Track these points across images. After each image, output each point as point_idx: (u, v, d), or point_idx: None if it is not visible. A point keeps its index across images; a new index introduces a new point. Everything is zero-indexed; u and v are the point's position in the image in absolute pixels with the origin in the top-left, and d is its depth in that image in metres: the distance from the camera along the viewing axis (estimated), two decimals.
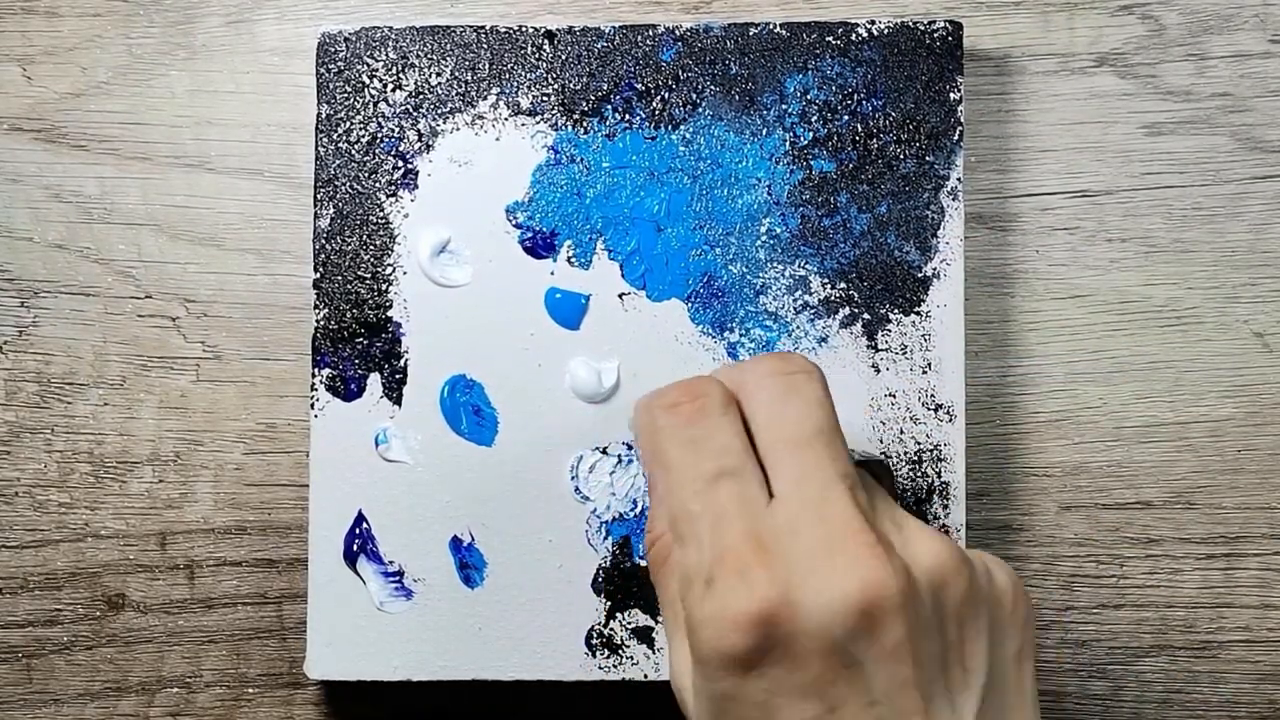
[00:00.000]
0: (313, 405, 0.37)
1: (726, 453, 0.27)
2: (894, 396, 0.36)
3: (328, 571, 0.37)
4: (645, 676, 0.36)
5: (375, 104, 0.37)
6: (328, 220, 0.37)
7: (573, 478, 0.37)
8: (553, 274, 0.37)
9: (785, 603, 0.25)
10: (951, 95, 0.37)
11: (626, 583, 0.37)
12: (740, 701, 0.25)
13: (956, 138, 0.37)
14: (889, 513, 0.27)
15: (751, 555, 0.25)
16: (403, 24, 0.37)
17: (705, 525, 0.26)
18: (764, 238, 0.37)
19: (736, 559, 0.25)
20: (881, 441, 0.36)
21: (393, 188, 0.37)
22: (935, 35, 0.37)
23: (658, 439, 0.28)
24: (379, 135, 0.37)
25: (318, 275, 0.37)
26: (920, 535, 0.26)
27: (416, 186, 0.37)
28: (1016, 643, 0.27)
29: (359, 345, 0.37)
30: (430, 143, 0.37)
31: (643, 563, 0.37)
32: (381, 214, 0.37)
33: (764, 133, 0.37)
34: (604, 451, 0.37)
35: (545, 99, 0.37)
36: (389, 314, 0.37)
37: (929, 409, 0.36)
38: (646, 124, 0.37)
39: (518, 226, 0.37)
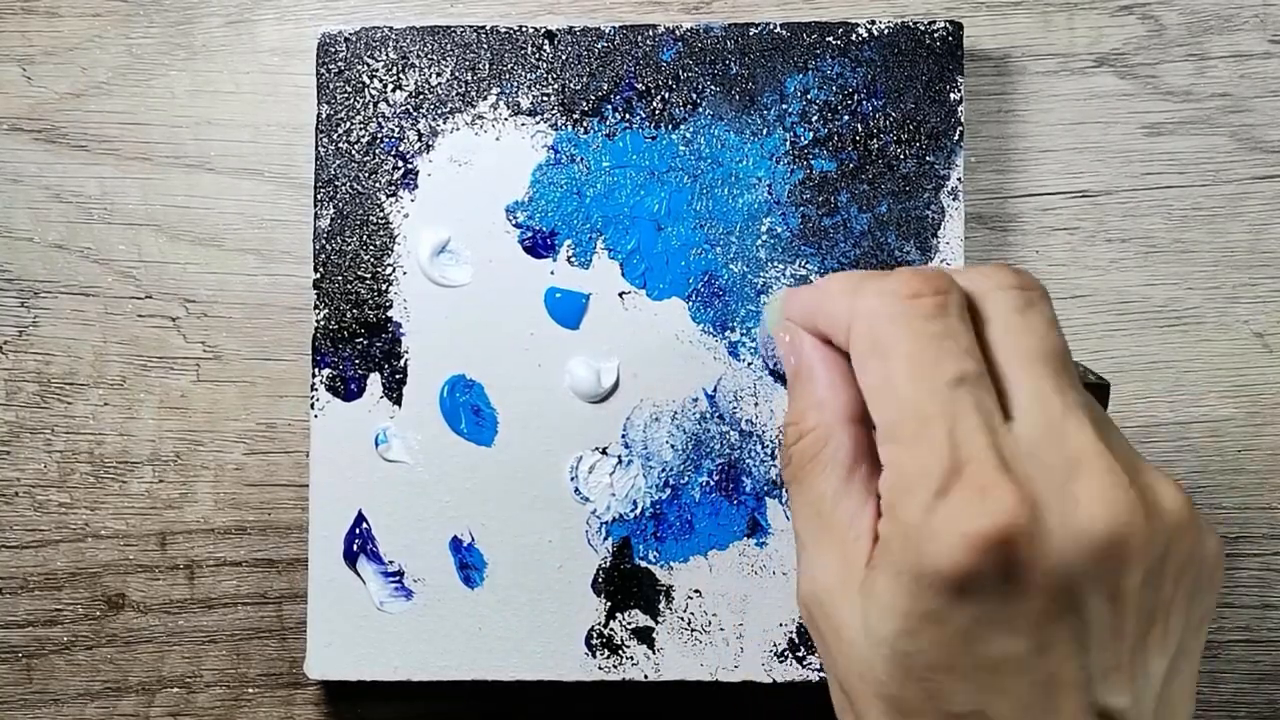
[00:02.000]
0: (313, 405, 0.37)
1: (969, 356, 0.25)
2: None
3: (328, 571, 0.37)
4: (645, 677, 0.36)
5: (375, 104, 0.37)
6: (328, 220, 0.37)
7: (572, 478, 0.37)
8: (552, 273, 0.37)
9: (1029, 528, 0.23)
10: (952, 95, 0.37)
11: (626, 583, 0.37)
12: (942, 625, 0.23)
13: (956, 138, 0.37)
14: (1125, 448, 0.25)
15: (995, 472, 0.23)
16: (403, 24, 0.37)
17: (941, 430, 0.24)
18: (764, 237, 0.37)
19: (979, 473, 0.23)
20: None
21: (393, 188, 0.37)
22: (935, 35, 0.37)
23: (889, 325, 0.25)
24: (379, 135, 0.37)
25: (318, 275, 0.37)
26: (1159, 479, 0.24)
27: (416, 186, 0.37)
28: (1205, 609, 0.25)
29: (359, 345, 0.37)
30: (430, 143, 0.37)
31: (643, 563, 0.37)
32: (381, 214, 0.37)
33: (764, 132, 0.37)
34: (604, 452, 0.37)
35: (545, 99, 0.37)
36: (389, 314, 0.37)
37: None
38: (647, 124, 0.37)
39: (518, 226, 0.37)
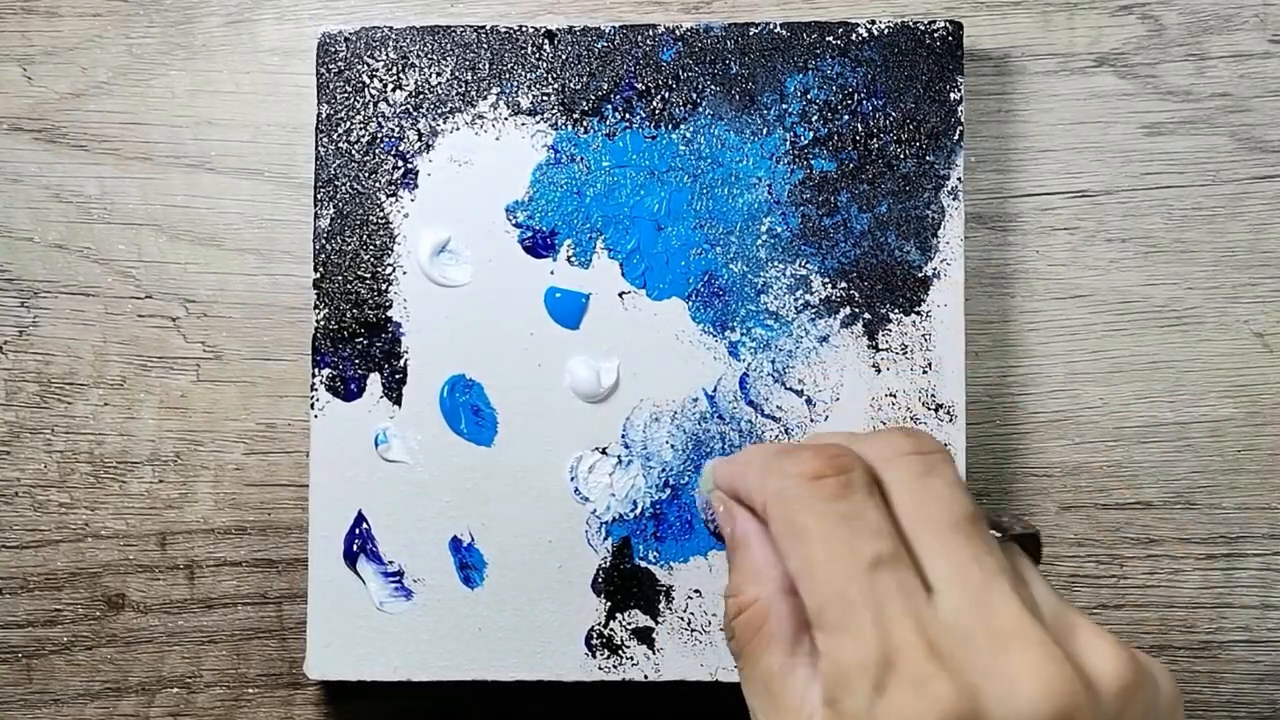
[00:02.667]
0: (313, 405, 0.37)
1: (881, 536, 0.25)
2: (894, 396, 0.36)
3: (328, 571, 0.37)
4: (645, 677, 0.36)
5: (375, 104, 0.37)
6: (328, 220, 0.37)
7: (572, 478, 0.37)
8: (552, 273, 0.37)
9: (971, 716, 0.23)
10: (951, 95, 0.37)
11: (626, 583, 0.37)
12: None
13: (956, 138, 0.37)
14: (1055, 607, 0.25)
15: (927, 661, 0.23)
16: (403, 24, 0.37)
17: (867, 617, 0.24)
18: (765, 237, 0.37)
19: (912, 664, 0.23)
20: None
21: (393, 187, 0.37)
22: (935, 35, 0.37)
23: (798, 509, 0.25)
24: (379, 135, 0.37)
25: (318, 275, 0.37)
26: (1096, 640, 0.24)
27: (416, 186, 0.37)
28: None
29: (359, 345, 0.37)
30: (430, 142, 0.37)
31: (643, 563, 0.37)
32: (381, 214, 0.37)
33: (764, 132, 0.37)
34: (604, 452, 0.37)
35: (545, 99, 0.37)
36: (389, 314, 0.37)
37: (929, 409, 0.36)
38: (647, 123, 0.37)
39: (517, 226, 0.37)
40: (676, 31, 0.37)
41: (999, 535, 0.26)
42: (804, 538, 0.25)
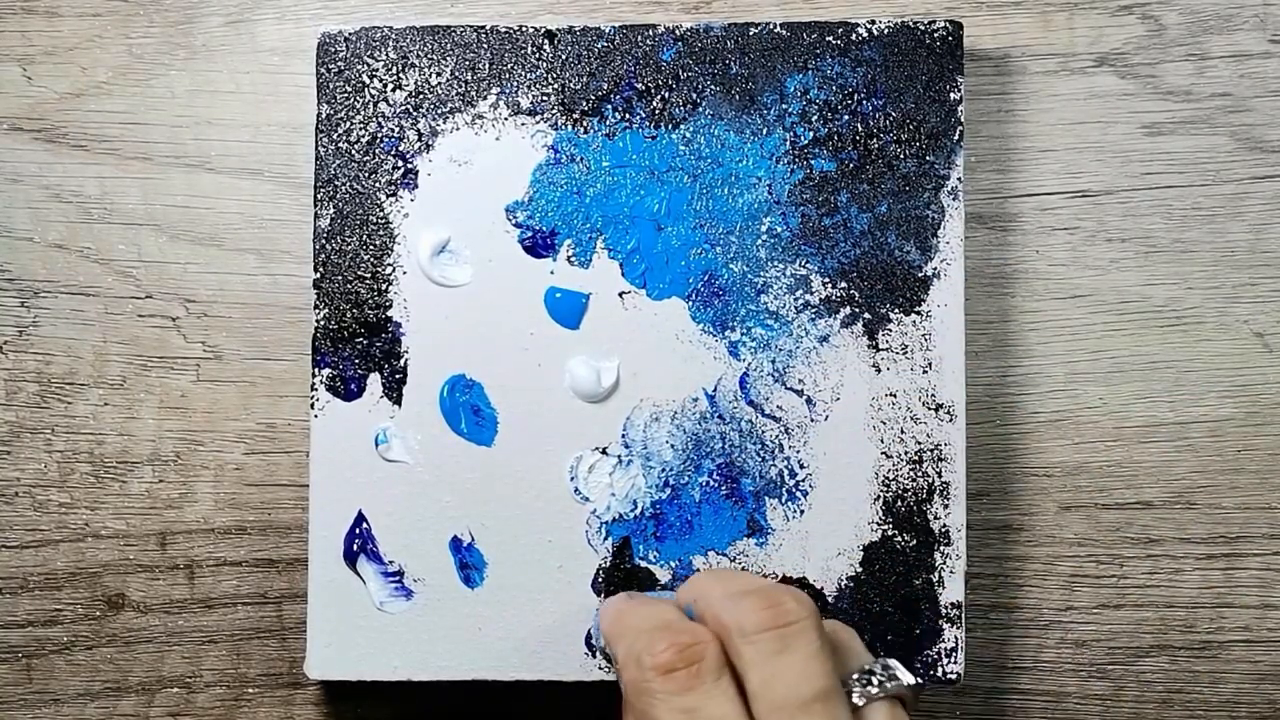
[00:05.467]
0: (313, 405, 0.37)
1: None
2: (894, 396, 0.36)
3: (328, 571, 0.37)
4: None
5: (375, 104, 0.37)
6: (328, 220, 0.37)
7: (572, 478, 0.37)
8: (552, 273, 0.37)
9: None
10: (951, 95, 0.37)
11: (626, 583, 0.37)
12: None
13: (956, 138, 0.37)
14: None
15: None
16: (403, 24, 0.37)
17: None
18: (764, 237, 0.37)
19: None
20: (883, 441, 0.36)
21: (393, 188, 0.37)
22: (935, 35, 0.37)
23: (649, 705, 0.27)
24: (379, 135, 0.37)
25: (318, 275, 0.37)
26: None
27: (416, 186, 0.37)
28: None
29: (359, 345, 0.37)
30: (430, 142, 0.37)
31: (643, 563, 0.37)
32: (381, 214, 0.37)
33: (764, 132, 0.37)
34: (604, 451, 0.37)
35: (545, 99, 0.37)
36: (389, 314, 0.37)
37: (929, 409, 0.36)
38: (646, 123, 0.37)
39: (517, 226, 0.37)
40: (676, 31, 0.37)
41: (862, 702, 0.27)
42: None
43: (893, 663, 0.29)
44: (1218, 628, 0.39)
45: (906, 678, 0.29)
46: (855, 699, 0.28)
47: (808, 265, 0.37)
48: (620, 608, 0.31)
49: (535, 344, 0.37)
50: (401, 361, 0.37)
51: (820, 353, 0.37)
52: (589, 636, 0.36)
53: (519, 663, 0.36)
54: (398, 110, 0.37)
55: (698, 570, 0.37)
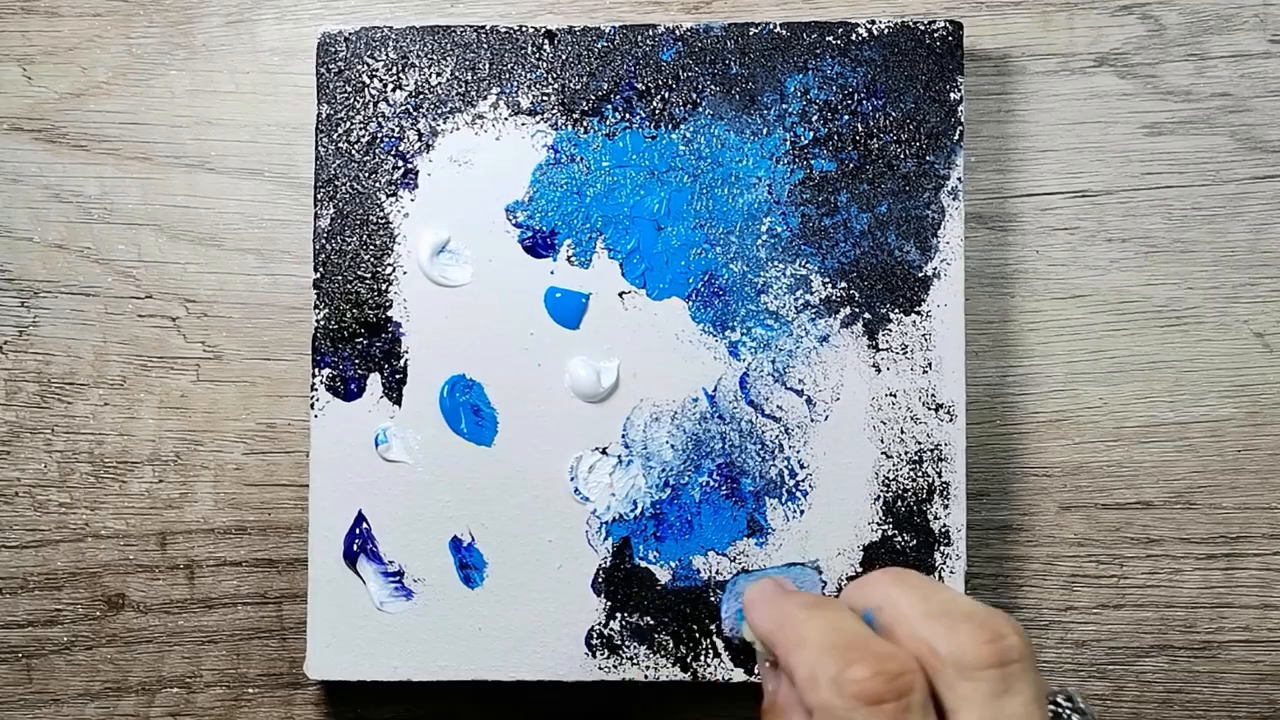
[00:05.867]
0: (313, 405, 0.37)
1: None
2: (894, 396, 0.36)
3: (328, 571, 0.37)
4: (645, 677, 0.36)
5: (375, 104, 0.37)
6: (328, 220, 0.37)
7: (572, 478, 0.37)
8: (552, 273, 0.37)
9: None
10: (951, 95, 0.37)
11: (626, 583, 0.37)
12: None
13: (956, 138, 0.37)
14: None
15: None
16: (403, 24, 0.37)
17: None
18: (765, 237, 0.37)
19: None
20: (883, 441, 0.36)
21: (393, 187, 0.37)
22: (935, 35, 0.37)
23: None
24: (379, 135, 0.37)
25: (318, 275, 0.37)
26: None
27: (416, 186, 0.37)
28: None
29: (359, 345, 0.37)
30: (430, 143, 0.37)
31: (643, 563, 0.37)
32: (381, 214, 0.37)
33: (764, 132, 0.37)
34: (604, 452, 0.37)
35: (545, 99, 0.37)
36: (389, 314, 0.37)
37: (929, 409, 0.36)
38: (647, 123, 0.37)
39: (518, 226, 0.37)
40: (676, 31, 0.37)
41: None
42: None
43: (1072, 690, 0.27)
44: (1218, 628, 0.39)
45: (1085, 706, 0.27)
46: None
47: (808, 265, 0.37)
48: (790, 610, 0.28)
49: (535, 344, 0.37)
50: (401, 361, 0.37)
51: (820, 353, 0.37)
52: (589, 635, 0.36)
53: (519, 663, 0.36)
54: (398, 110, 0.37)
55: (710, 568, 0.37)
